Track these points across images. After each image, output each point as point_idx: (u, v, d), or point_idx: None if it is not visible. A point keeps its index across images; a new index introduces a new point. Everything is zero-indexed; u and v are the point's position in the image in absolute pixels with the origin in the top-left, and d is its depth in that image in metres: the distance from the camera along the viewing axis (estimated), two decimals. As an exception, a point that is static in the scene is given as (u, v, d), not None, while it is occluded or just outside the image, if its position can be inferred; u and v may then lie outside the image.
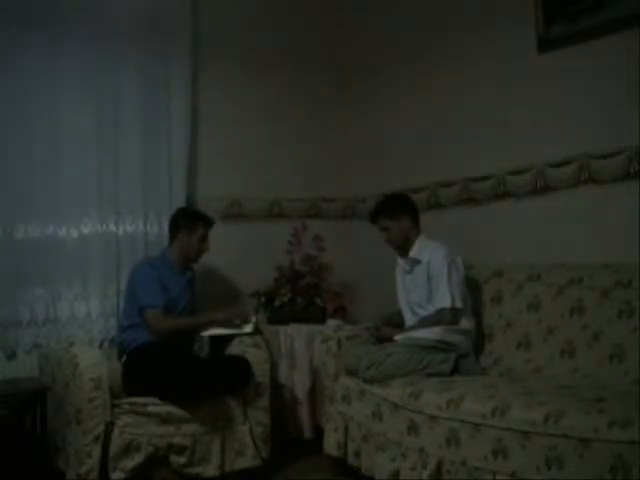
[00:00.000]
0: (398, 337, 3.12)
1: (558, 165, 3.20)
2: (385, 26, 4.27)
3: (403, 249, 3.32)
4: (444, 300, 3.12)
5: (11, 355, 3.46)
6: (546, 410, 2.17)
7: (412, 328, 3.20)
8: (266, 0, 4.27)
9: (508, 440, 2.23)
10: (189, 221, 3.47)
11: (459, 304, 3.13)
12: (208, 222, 3.50)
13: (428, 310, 3.21)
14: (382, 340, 3.23)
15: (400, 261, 3.37)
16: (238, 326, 3.40)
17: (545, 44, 3.25)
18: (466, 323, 3.16)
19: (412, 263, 3.29)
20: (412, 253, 3.29)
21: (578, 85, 3.13)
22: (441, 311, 3.13)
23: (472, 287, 3.34)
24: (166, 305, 3.35)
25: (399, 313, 3.41)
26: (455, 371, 3.00)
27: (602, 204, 3.04)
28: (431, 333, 3.06)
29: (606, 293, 2.78)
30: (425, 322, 3.17)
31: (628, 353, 2.61)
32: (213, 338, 3.43)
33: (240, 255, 4.02)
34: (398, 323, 3.38)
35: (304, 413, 3.65)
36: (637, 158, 2.88)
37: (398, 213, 3.30)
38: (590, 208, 3.09)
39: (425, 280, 3.22)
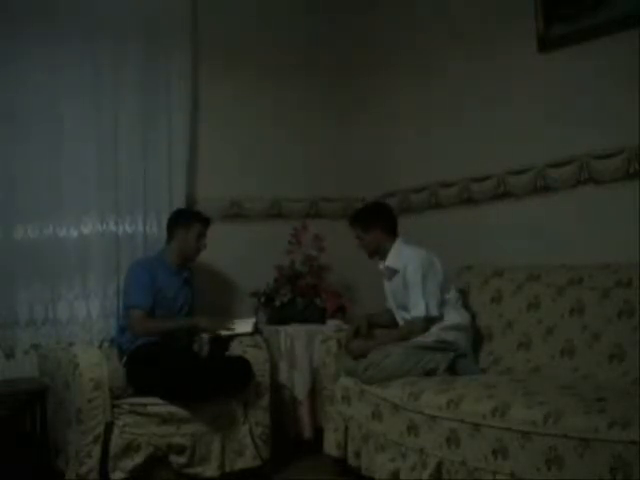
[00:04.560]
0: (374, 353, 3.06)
1: (558, 165, 3.20)
2: (385, 27, 4.27)
3: (379, 255, 3.33)
4: (418, 309, 3.12)
5: (10, 355, 3.46)
6: (546, 410, 2.17)
7: (387, 341, 3.15)
8: (266, 0, 4.27)
9: (508, 440, 2.23)
10: (186, 219, 3.49)
11: (434, 312, 3.12)
12: (205, 220, 3.51)
13: None
14: (356, 356, 3.18)
15: (380, 266, 3.37)
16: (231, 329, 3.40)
17: (545, 44, 3.25)
18: (458, 317, 3.16)
19: (390, 272, 3.29)
20: (388, 261, 3.28)
21: (578, 85, 3.13)
22: (413, 320, 3.14)
23: (472, 287, 3.34)
24: (163, 305, 3.35)
25: (386, 312, 3.41)
26: (454, 371, 3.00)
27: (602, 204, 3.04)
28: (427, 334, 3.07)
29: (606, 293, 2.78)
30: (395, 336, 3.16)
31: (628, 353, 2.61)
32: (213, 339, 3.43)
33: (240, 255, 4.01)
34: (381, 323, 3.39)
35: (304, 413, 3.64)
36: (637, 158, 2.88)
37: (369, 225, 3.30)
38: (590, 208, 3.09)
39: (402, 287, 3.21)
